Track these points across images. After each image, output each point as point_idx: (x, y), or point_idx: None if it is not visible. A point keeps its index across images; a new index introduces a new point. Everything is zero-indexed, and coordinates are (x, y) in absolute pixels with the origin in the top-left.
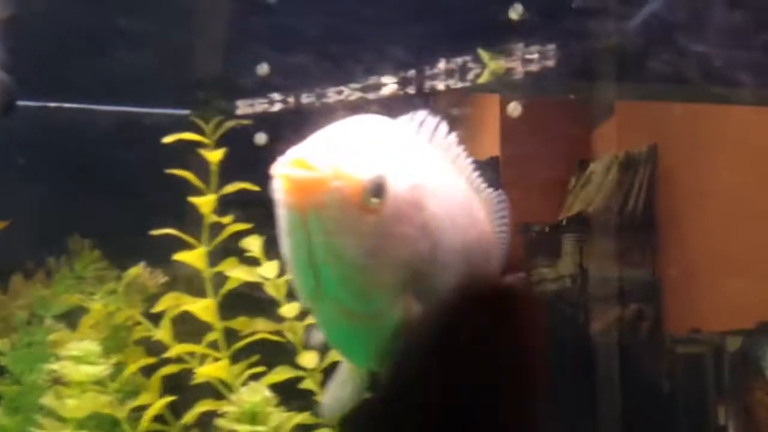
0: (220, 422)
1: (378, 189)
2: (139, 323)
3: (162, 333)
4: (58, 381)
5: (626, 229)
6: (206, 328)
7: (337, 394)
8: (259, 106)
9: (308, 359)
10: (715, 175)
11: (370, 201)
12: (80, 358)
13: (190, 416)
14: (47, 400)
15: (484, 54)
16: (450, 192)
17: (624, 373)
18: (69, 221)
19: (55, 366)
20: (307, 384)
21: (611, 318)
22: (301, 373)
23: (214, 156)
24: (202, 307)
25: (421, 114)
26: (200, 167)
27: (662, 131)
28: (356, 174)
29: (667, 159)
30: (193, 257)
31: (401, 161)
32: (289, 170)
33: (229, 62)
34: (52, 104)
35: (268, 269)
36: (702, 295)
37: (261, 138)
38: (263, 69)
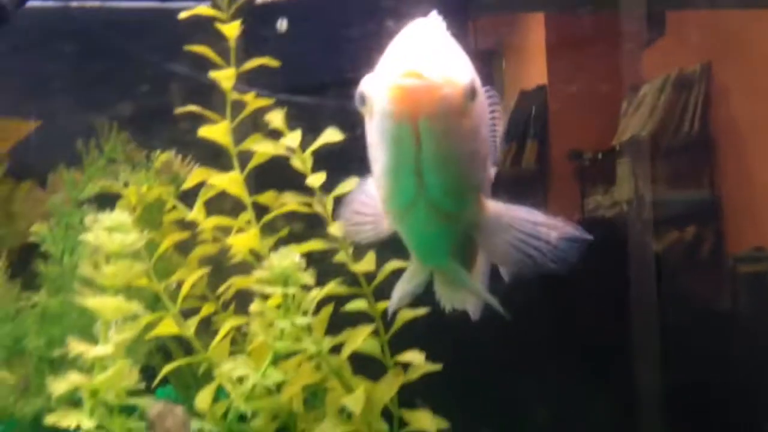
0: (253, 287)
1: (473, 93)
2: (172, 206)
3: (195, 213)
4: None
5: (682, 151)
6: (241, 210)
7: (405, 288)
8: None
9: (336, 228)
10: None
11: (468, 105)
12: (112, 228)
13: (225, 288)
14: (84, 269)
15: None
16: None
17: (686, 294)
18: (100, 117)
19: (89, 237)
20: (341, 257)
21: (672, 240)
22: (333, 245)
23: (231, 30)
24: (230, 180)
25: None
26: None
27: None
28: (459, 80)
29: (722, 76)
30: (217, 132)
31: (467, 62)
32: (402, 81)
33: None
34: (74, 3)
35: (292, 139)
36: (764, 213)
37: (282, 24)
38: None
